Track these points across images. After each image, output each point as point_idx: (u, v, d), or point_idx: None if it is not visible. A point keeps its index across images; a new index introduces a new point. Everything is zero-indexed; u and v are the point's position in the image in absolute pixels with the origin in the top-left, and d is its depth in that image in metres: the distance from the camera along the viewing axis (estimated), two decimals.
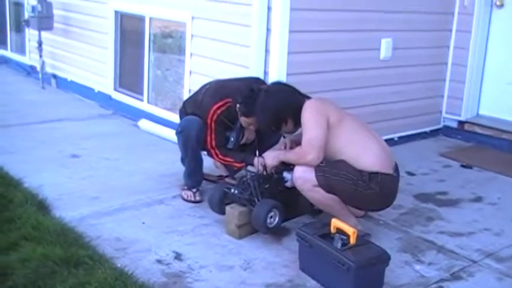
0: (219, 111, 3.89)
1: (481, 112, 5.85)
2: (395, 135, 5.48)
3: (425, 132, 5.88)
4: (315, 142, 3.37)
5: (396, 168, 3.54)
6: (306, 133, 3.41)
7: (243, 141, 4.04)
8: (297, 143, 3.66)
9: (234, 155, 3.96)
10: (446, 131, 5.99)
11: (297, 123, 3.54)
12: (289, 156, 3.55)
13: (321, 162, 3.40)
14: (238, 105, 3.81)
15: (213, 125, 3.90)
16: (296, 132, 3.69)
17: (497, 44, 5.67)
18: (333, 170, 3.38)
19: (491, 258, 3.46)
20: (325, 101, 3.61)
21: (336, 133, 3.42)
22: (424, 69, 5.67)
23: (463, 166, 5.11)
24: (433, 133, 5.96)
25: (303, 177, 3.41)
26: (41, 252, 3.03)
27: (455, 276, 3.24)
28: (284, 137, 3.95)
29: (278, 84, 3.81)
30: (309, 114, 3.43)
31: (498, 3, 5.56)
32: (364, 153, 3.42)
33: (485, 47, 5.72)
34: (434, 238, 3.69)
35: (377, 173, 3.37)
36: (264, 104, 3.59)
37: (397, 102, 5.48)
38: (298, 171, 3.44)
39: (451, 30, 5.75)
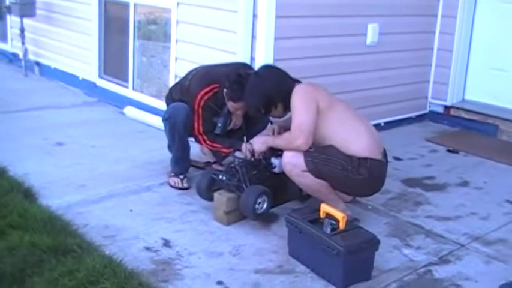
0: (206, 97, 3.86)
1: (466, 97, 5.88)
2: (381, 121, 5.48)
3: (411, 118, 5.90)
4: (304, 127, 3.35)
5: (385, 154, 3.54)
6: (296, 118, 3.39)
7: (230, 127, 4.01)
8: (285, 128, 3.65)
9: (222, 140, 3.94)
10: (432, 116, 6.01)
11: (287, 108, 3.52)
12: (278, 141, 3.54)
13: (310, 148, 3.39)
14: (225, 91, 3.78)
15: (200, 111, 3.88)
16: (284, 117, 3.68)
17: (482, 29, 5.68)
18: (322, 156, 3.37)
19: (479, 242, 3.49)
20: (315, 86, 3.58)
21: (326, 118, 3.41)
22: (410, 55, 5.67)
23: (449, 151, 5.13)
24: (419, 118, 5.98)
25: (292, 163, 3.40)
26: (29, 241, 3.01)
27: (443, 260, 3.26)
28: (271, 122, 3.94)
29: (268, 67, 3.77)
30: (299, 99, 3.41)
31: None
32: (354, 138, 3.42)
33: (471, 32, 5.73)
34: (422, 222, 3.71)
35: (366, 158, 3.37)
36: (255, 87, 3.57)
37: (383, 88, 5.48)
38: (287, 156, 3.42)
39: (436, 16, 5.75)
